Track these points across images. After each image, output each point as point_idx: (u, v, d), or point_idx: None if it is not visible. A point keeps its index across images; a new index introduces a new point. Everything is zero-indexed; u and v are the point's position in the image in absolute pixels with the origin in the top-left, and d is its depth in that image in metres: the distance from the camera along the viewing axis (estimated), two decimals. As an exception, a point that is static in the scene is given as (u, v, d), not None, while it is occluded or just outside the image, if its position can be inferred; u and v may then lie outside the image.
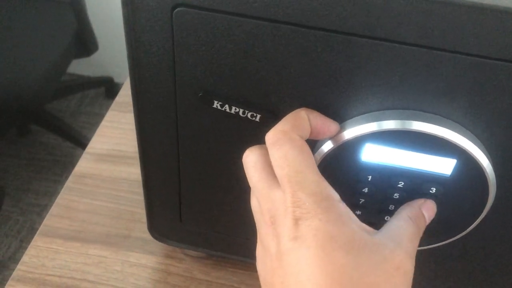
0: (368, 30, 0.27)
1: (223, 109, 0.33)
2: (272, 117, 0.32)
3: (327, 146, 0.31)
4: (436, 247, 0.36)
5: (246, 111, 0.32)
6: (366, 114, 0.30)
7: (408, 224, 0.30)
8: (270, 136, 0.29)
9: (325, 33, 0.28)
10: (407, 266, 0.27)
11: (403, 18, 0.26)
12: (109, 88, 1.82)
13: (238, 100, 0.32)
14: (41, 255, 0.45)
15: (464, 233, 0.34)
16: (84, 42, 1.44)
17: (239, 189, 0.37)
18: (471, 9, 0.25)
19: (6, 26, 1.34)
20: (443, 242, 0.35)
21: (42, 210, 1.45)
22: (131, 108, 0.61)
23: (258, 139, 0.33)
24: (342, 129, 0.31)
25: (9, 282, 0.43)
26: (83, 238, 0.47)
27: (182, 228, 0.43)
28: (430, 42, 0.27)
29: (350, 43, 0.28)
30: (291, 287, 0.26)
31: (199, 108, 0.33)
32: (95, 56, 1.54)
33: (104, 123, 0.58)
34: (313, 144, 0.32)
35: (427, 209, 0.32)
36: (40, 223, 1.42)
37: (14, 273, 0.43)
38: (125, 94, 0.62)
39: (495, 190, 0.31)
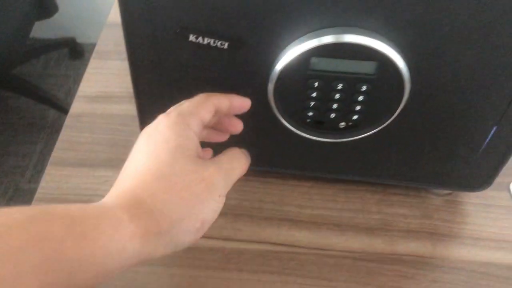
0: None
1: (197, 41, 0.42)
2: (237, 44, 0.41)
3: (284, 61, 0.41)
4: (369, 136, 0.46)
5: (216, 41, 0.41)
6: (309, 33, 0.40)
7: (232, 151, 0.39)
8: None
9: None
10: (214, 181, 0.34)
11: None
12: (73, 48, 1.85)
13: (209, 32, 0.41)
14: (55, 180, 0.54)
15: (389, 121, 0.45)
16: (44, 4, 1.46)
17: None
18: None
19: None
20: (378, 128, 0.46)
21: (24, 170, 1.52)
22: (110, 56, 0.69)
23: (226, 64, 0.43)
24: (292, 46, 0.40)
25: (33, 203, 0.52)
26: (89, 164, 0.56)
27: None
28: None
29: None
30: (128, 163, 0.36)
31: (177, 42, 0.42)
32: (55, 18, 1.56)
33: (89, 70, 0.66)
34: (271, 63, 0.42)
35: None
36: (24, 182, 1.49)
37: (36, 196, 0.53)
38: (102, 44, 0.69)
39: (410, 85, 0.42)
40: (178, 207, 0.33)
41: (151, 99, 0.48)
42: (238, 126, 0.43)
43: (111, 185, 0.54)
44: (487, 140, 0.47)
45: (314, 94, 0.43)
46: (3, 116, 1.66)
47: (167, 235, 0.32)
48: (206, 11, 0.39)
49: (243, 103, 0.41)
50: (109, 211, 0.31)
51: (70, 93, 1.72)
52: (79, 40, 1.86)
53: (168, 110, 0.38)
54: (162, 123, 0.36)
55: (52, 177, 0.54)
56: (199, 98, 0.39)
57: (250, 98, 0.45)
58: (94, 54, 0.68)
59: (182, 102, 0.40)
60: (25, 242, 0.26)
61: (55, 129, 1.63)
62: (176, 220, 0.32)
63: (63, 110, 1.61)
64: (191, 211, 0.33)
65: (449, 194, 0.55)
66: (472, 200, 0.55)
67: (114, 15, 0.73)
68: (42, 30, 1.72)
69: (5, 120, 1.64)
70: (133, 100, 0.59)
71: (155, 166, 0.33)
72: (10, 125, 1.64)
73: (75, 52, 1.85)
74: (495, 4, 0.36)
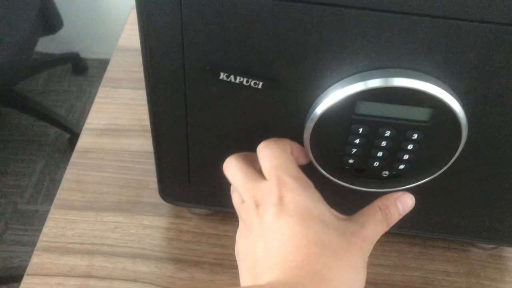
0: (357, 2, 0.31)
1: (228, 79, 0.37)
2: (272, 84, 0.36)
3: (325, 104, 0.36)
4: (422, 184, 0.41)
5: (250, 80, 0.36)
6: (355, 75, 0.35)
7: (375, 212, 0.36)
8: (261, 143, 0.37)
9: (317, 6, 0.32)
10: (364, 246, 0.33)
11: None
12: (76, 64, 1.80)
13: (242, 71, 0.36)
14: (60, 226, 0.49)
15: (440, 172, 0.40)
16: (49, 20, 1.42)
17: (242, 149, 0.41)
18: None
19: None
20: (427, 179, 0.41)
21: (23, 191, 1.46)
22: (121, 83, 0.64)
23: (259, 105, 0.38)
24: (335, 89, 0.35)
25: (35, 252, 0.46)
26: (96, 207, 0.50)
27: (190, 189, 0.47)
28: (408, 9, 0.31)
29: (339, 14, 0.32)
30: (274, 248, 0.31)
31: (206, 79, 0.37)
32: (58, 33, 1.52)
33: (98, 99, 0.61)
34: (310, 105, 0.37)
35: (402, 201, 0.37)
36: (23, 204, 1.43)
37: (38, 244, 0.47)
38: (112, 70, 0.64)
39: (467, 134, 0.37)
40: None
41: (172, 141, 0.43)
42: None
43: (121, 233, 0.49)
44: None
45: (357, 141, 0.38)
46: (2, 133, 1.60)
47: None
48: (240, 48, 0.34)
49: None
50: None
51: (72, 110, 1.67)
52: (82, 55, 1.81)
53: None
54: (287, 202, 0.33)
55: (56, 223, 0.49)
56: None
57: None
58: (103, 82, 0.63)
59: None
60: None
61: (56, 148, 1.58)
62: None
63: (64, 127, 1.56)
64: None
65: (495, 248, 0.49)
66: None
67: (125, 39, 0.68)
68: (45, 44, 1.68)
69: (5, 137, 1.59)
70: (146, 134, 0.54)
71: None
72: (10, 142, 1.58)
73: (78, 67, 1.80)
74: None
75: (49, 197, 1.45)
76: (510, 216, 0.44)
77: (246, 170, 0.36)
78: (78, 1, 1.70)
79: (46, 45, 1.69)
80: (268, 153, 0.36)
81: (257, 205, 0.34)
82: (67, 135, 1.57)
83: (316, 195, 0.35)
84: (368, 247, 0.34)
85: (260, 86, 0.37)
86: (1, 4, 1.33)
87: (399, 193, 0.37)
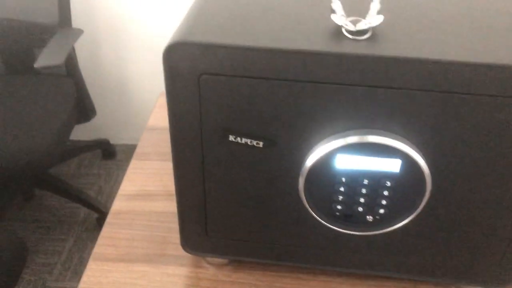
0: (334, 79, 0.41)
1: (236, 141, 0.46)
2: (270, 144, 0.46)
3: (312, 159, 0.45)
4: (395, 230, 0.49)
5: (252, 141, 0.46)
6: (336, 134, 0.44)
7: None
8: None
9: (301, 83, 0.42)
10: None
11: (358, 67, 0.41)
12: (106, 150, 1.95)
13: (246, 134, 0.46)
14: (96, 275, 0.57)
15: (414, 215, 0.47)
16: (84, 109, 1.58)
17: (251, 203, 0.50)
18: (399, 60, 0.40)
19: (16, 99, 1.48)
20: (404, 222, 0.48)
21: (52, 268, 1.53)
22: (149, 157, 0.75)
23: (261, 161, 0.47)
24: (321, 145, 0.45)
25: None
26: (127, 259, 0.58)
27: (208, 241, 0.55)
28: (372, 83, 0.41)
29: (319, 88, 0.42)
30: None
31: (219, 141, 0.47)
32: (90, 121, 1.68)
33: (129, 170, 0.71)
34: (301, 160, 0.46)
35: None
36: (51, 281, 1.50)
37: (77, 289, 0.55)
38: (142, 146, 0.75)
39: (431, 181, 0.45)
40: None
41: (192, 197, 0.52)
42: None
43: (148, 280, 0.56)
44: (512, 232, 0.48)
45: (341, 189, 0.47)
46: (36, 214, 1.71)
47: None
48: (244, 117, 0.45)
49: None
50: None
51: (101, 191, 1.79)
52: (112, 142, 1.96)
53: None
54: None
55: (93, 272, 0.57)
56: None
57: (282, 192, 0.49)
58: (134, 156, 0.73)
59: None
60: None
61: (85, 227, 1.67)
62: None
63: (94, 208, 1.66)
64: None
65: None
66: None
67: (154, 120, 0.80)
68: (77, 131, 1.84)
69: (38, 218, 1.70)
70: (170, 198, 0.63)
71: None
72: (42, 222, 1.69)
73: (108, 153, 1.95)
74: (506, 107, 0.41)
75: (77, 274, 1.51)
76: (487, 256, 0.51)
77: None
78: (109, 92, 1.89)
79: (78, 131, 1.85)
80: None
81: None
82: (96, 215, 1.67)
83: None
84: None
85: (261, 145, 0.46)
86: (43, 96, 1.50)
87: None
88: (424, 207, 0.47)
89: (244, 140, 0.46)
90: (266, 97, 0.43)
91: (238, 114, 0.44)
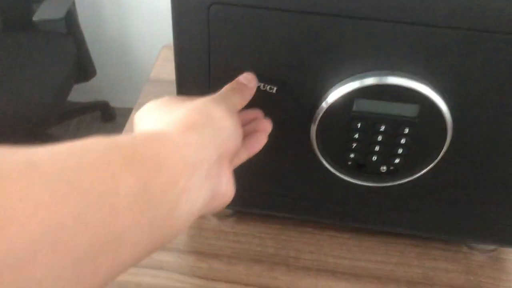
0: (354, 12, 0.38)
1: (246, 83, 0.43)
2: (285, 89, 0.43)
3: (327, 102, 0.42)
4: (410, 181, 0.46)
5: (266, 85, 0.43)
6: (352, 76, 0.42)
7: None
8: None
9: (318, 16, 0.39)
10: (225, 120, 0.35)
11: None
12: (105, 112, 1.92)
13: (260, 76, 0.43)
14: None
15: (431, 166, 0.45)
16: (84, 68, 1.55)
17: (260, 151, 0.47)
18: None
19: (14, 56, 1.44)
20: (420, 173, 0.46)
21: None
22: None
23: (274, 107, 0.44)
24: (336, 88, 0.42)
25: None
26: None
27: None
28: (394, 17, 0.38)
29: (336, 23, 0.39)
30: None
31: (228, 82, 0.44)
32: (90, 82, 1.65)
33: (130, 124, 0.68)
34: (315, 104, 0.43)
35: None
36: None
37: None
38: (144, 97, 0.72)
39: (452, 129, 0.42)
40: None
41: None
42: (267, 127, 0.42)
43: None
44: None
45: (356, 136, 0.44)
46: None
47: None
48: (257, 57, 0.42)
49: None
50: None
51: (100, 154, 1.76)
52: (112, 104, 1.93)
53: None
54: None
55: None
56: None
57: (293, 139, 0.46)
58: (136, 107, 0.70)
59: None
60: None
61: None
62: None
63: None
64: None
65: (493, 251, 0.53)
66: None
67: (156, 73, 0.77)
68: (77, 92, 1.81)
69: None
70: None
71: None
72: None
73: (107, 116, 1.92)
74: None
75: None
76: (502, 214, 0.49)
77: None
78: (110, 52, 1.84)
79: (77, 92, 1.82)
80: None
81: None
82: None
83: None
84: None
85: (274, 91, 0.43)
86: (42, 53, 1.47)
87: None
88: (442, 157, 0.44)
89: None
90: (280, 32, 0.40)
91: (252, 54, 0.41)
